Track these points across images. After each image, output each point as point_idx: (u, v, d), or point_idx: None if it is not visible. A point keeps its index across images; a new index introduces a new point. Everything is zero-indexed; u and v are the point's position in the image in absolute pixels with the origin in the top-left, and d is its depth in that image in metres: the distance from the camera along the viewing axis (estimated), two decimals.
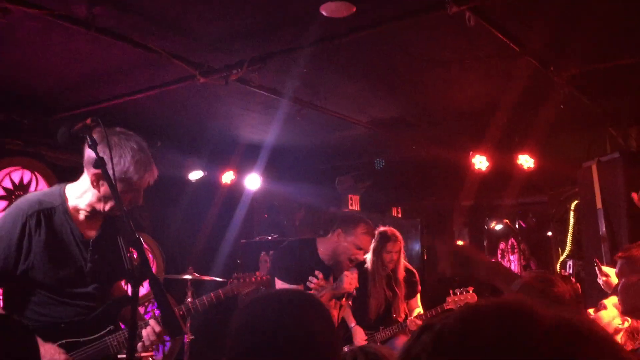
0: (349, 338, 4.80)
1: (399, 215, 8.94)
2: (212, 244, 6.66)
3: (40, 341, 2.12)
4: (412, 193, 8.49)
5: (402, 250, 4.85)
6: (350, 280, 3.77)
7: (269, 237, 6.57)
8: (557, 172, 6.51)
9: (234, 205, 7.01)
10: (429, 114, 5.84)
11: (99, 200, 2.34)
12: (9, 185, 5.61)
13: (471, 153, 6.17)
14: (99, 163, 1.99)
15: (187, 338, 5.06)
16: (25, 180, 5.72)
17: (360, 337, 4.70)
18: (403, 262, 4.87)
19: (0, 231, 2.29)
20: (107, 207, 2.34)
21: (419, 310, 4.88)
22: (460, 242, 10.55)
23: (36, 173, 5.78)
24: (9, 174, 5.64)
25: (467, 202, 8.48)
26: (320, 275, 3.80)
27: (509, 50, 4.01)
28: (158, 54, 3.96)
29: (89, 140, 2.04)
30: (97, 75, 4.60)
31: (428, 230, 9.63)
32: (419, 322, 4.70)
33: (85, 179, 2.38)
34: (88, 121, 2.05)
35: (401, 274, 4.80)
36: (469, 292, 4.75)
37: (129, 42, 3.84)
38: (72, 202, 2.39)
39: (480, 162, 6.13)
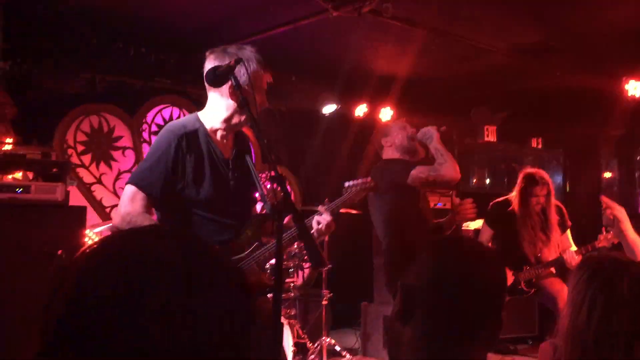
0: None
1: (539, 146, 8.51)
2: (346, 176, 6.77)
3: None
4: (553, 123, 8.00)
5: (552, 191, 4.64)
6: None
7: None
8: None
9: (367, 137, 7.04)
10: (576, 38, 5.39)
11: (235, 111, 2.48)
12: (161, 122, 6.07)
13: (624, 79, 5.66)
14: (242, 103, 2.09)
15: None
16: (175, 117, 6.15)
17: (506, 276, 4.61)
18: (554, 203, 4.65)
19: (157, 152, 2.46)
20: (243, 117, 2.49)
21: (572, 248, 4.67)
22: (608, 174, 9.86)
23: (183, 110, 6.17)
24: (160, 111, 6.09)
25: (616, 132, 7.85)
26: None
27: None
28: None
29: (233, 81, 2.15)
30: (235, 14, 4.75)
31: (571, 161, 9.10)
32: (577, 258, 4.46)
33: (213, 99, 2.53)
34: (232, 62, 2.16)
35: (553, 216, 4.61)
36: None
37: None
38: (208, 125, 2.55)
39: (635, 88, 5.62)
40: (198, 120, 2.56)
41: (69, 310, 0.70)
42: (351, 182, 2.84)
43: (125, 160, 5.81)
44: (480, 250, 1.36)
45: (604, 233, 4.46)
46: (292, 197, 6.83)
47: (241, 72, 2.32)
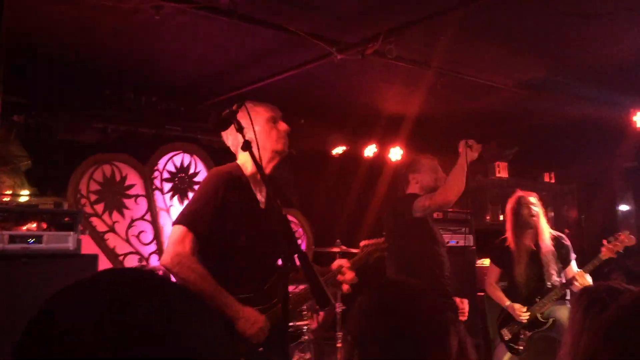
0: (506, 318, 4.66)
1: (552, 181, 8.45)
2: (357, 217, 6.78)
3: (240, 305, 2.37)
4: (566, 157, 7.98)
5: (543, 210, 4.63)
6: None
7: None
8: None
9: (376, 177, 7.07)
10: (581, 72, 5.42)
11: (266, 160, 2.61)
12: (172, 169, 6.14)
13: (632, 110, 5.66)
14: (246, 145, 2.12)
15: (339, 308, 5.23)
16: (186, 163, 6.22)
17: (519, 311, 4.53)
18: (546, 225, 4.63)
19: (205, 195, 2.50)
20: (271, 166, 2.65)
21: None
22: (623, 207, 9.74)
23: (194, 156, 6.25)
24: (171, 158, 6.17)
25: (629, 164, 7.79)
26: None
27: None
28: (295, 34, 4.07)
29: (235, 125, 2.19)
30: (241, 61, 4.85)
31: (585, 195, 9.01)
32: (584, 281, 4.38)
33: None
34: (234, 107, 2.21)
35: (544, 234, 4.58)
36: (623, 234, 4.45)
37: (268, 26, 3.99)
38: (246, 172, 2.63)
39: None
40: (239, 168, 2.64)
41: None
42: (366, 242, 2.91)
43: (137, 208, 5.86)
44: (415, 290, 1.37)
45: (606, 244, 4.41)
46: (305, 240, 6.82)
47: (244, 117, 2.36)
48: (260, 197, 2.62)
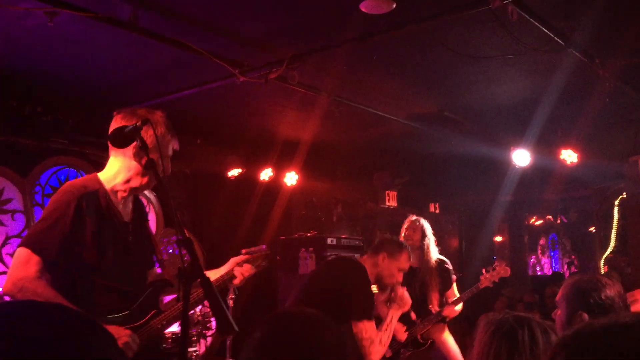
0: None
1: (437, 211, 8.88)
2: (250, 241, 6.70)
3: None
4: (450, 189, 8.42)
5: (427, 240, 4.84)
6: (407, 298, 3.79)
7: (308, 234, 6.60)
8: (602, 167, 6.36)
9: (272, 201, 7.06)
10: (469, 110, 5.77)
11: (137, 173, 2.41)
12: (56, 184, 5.77)
13: (512, 148, 6.07)
14: (148, 165, 2.04)
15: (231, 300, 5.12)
16: (71, 179, 5.87)
17: (400, 331, 4.67)
18: (432, 252, 4.84)
19: (54, 213, 2.31)
20: (145, 180, 2.43)
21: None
22: (499, 238, 10.41)
23: (81, 172, 5.92)
24: (55, 172, 5.80)
25: (506, 198, 8.36)
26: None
27: (552, 44, 3.93)
28: (199, 53, 4.00)
29: (139, 142, 2.10)
30: (140, 75, 4.69)
31: (466, 226, 9.54)
32: (453, 307, 4.64)
33: (115, 160, 2.45)
34: (138, 123, 2.11)
35: (431, 256, 4.79)
36: (500, 265, 4.75)
37: (171, 43, 3.89)
38: (108, 186, 2.45)
39: (521, 158, 6.03)
40: (98, 181, 2.46)
41: None
42: (248, 250, 2.81)
43: (14, 225, 5.43)
44: (313, 319, 1.38)
45: (485, 274, 4.70)
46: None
47: (148, 134, 2.26)
48: (123, 212, 2.49)
